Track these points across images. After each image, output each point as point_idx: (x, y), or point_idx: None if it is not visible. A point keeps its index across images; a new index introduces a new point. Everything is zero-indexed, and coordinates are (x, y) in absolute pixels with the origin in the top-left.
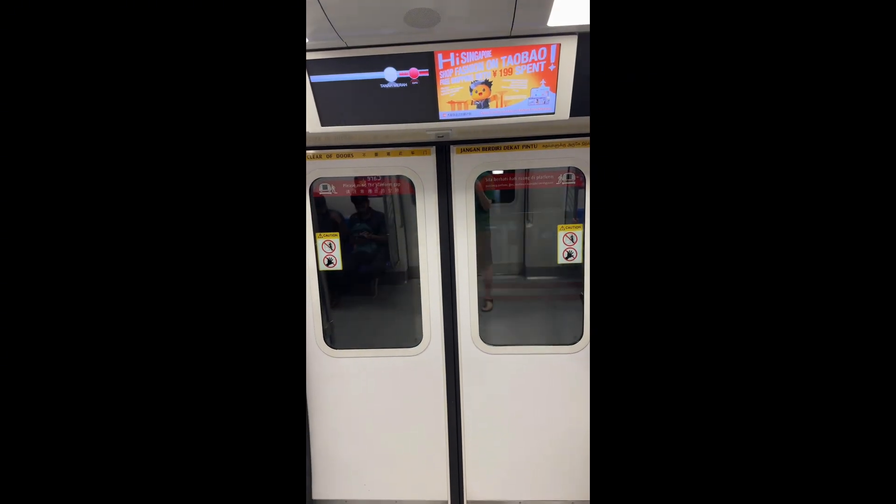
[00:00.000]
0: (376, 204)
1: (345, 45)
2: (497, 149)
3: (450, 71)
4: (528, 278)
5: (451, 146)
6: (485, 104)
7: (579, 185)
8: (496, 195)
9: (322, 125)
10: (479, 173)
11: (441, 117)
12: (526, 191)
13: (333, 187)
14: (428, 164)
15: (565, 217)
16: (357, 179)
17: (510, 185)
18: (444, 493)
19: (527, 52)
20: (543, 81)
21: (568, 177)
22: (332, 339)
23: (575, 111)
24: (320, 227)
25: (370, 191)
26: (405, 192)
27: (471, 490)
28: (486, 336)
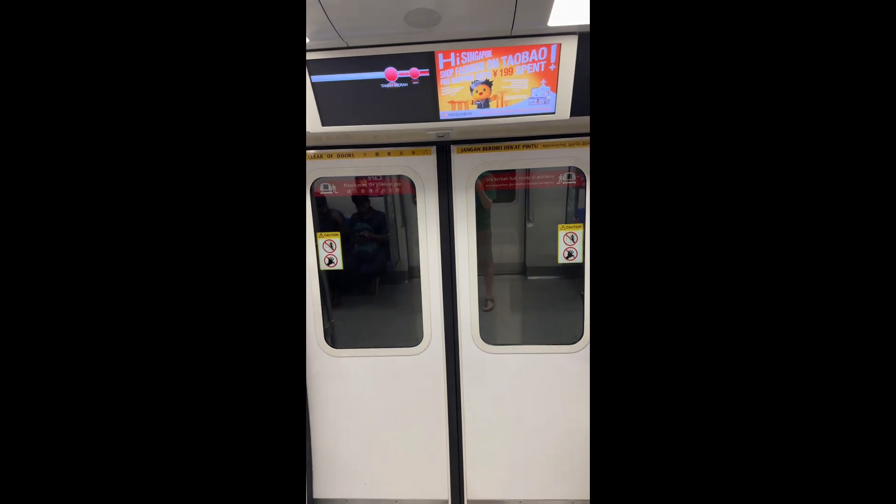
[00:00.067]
0: (377, 203)
1: (345, 45)
2: (497, 148)
3: (450, 71)
4: (529, 278)
5: (452, 146)
6: (485, 104)
7: (580, 185)
8: (496, 195)
9: (323, 125)
10: (480, 173)
11: (441, 117)
12: (527, 190)
13: (334, 187)
14: (428, 164)
15: (566, 217)
16: (358, 179)
17: (511, 184)
18: (445, 492)
19: (527, 52)
20: (544, 81)
21: (568, 176)
22: (333, 338)
23: (575, 111)
24: (321, 227)
25: (371, 190)
26: (406, 191)
27: (471, 489)
28: (487, 335)
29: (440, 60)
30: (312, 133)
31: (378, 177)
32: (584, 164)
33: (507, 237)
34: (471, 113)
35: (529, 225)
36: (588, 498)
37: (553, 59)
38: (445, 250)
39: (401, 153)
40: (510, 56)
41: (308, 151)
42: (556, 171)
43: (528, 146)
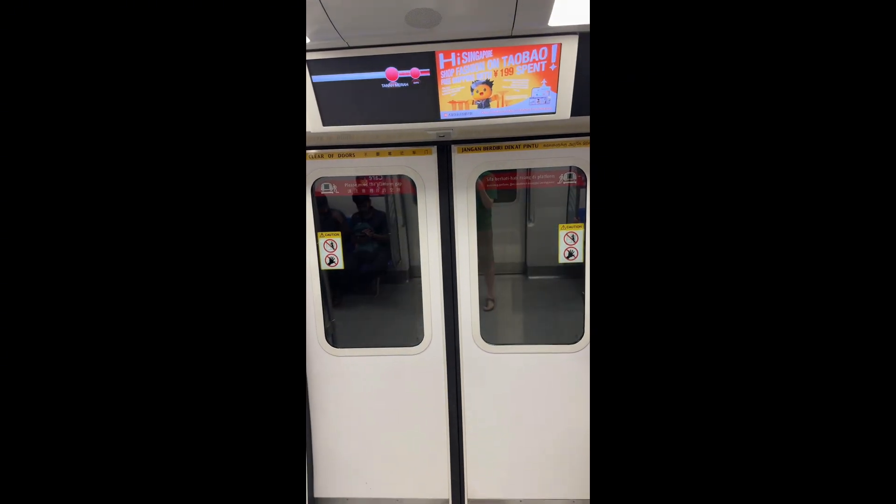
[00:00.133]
0: (378, 203)
1: (346, 45)
2: (498, 148)
3: (451, 71)
4: (530, 278)
5: (453, 146)
6: (486, 104)
7: (580, 185)
8: (497, 195)
9: (324, 125)
10: (481, 173)
11: (442, 117)
12: (527, 190)
13: (335, 187)
14: (429, 164)
15: (567, 216)
16: (358, 179)
17: (511, 184)
18: (446, 491)
19: (528, 52)
20: (544, 81)
21: (569, 176)
22: (334, 338)
23: (576, 111)
24: (322, 227)
25: (372, 190)
26: (407, 191)
27: (472, 489)
28: (487, 335)
29: (441, 60)
30: (313, 133)
31: (379, 176)
32: (585, 164)
33: (508, 237)
34: (471, 113)
35: (530, 225)
36: (588, 498)
37: (554, 59)
38: (446, 250)
39: (401, 153)
40: (511, 56)
41: (309, 151)
42: (556, 171)
43: (528, 146)
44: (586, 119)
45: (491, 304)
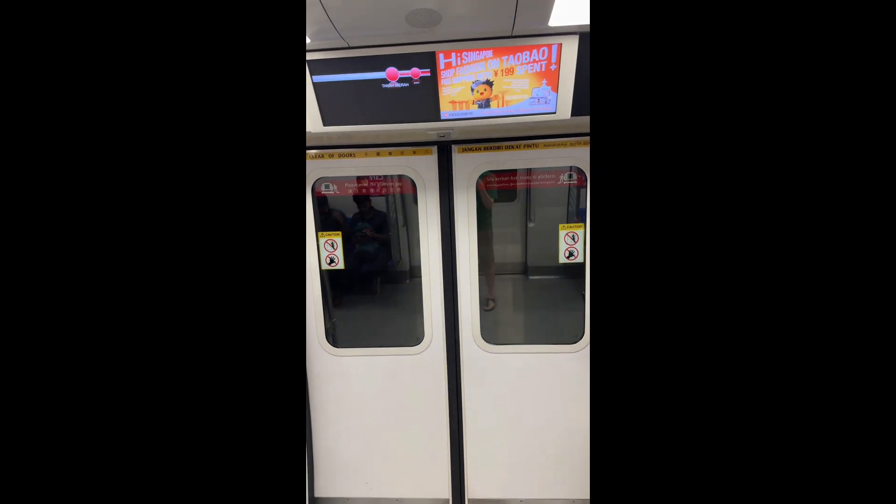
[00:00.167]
0: (378, 203)
1: (347, 46)
2: (498, 148)
3: (451, 71)
4: (531, 278)
5: (453, 146)
6: (486, 104)
7: (581, 185)
8: (497, 195)
9: (324, 125)
10: (481, 172)
11: (442, 117)
12: (528, 190)
13: (335, 187)
14: (429, 164)
15: (567, 216)
16: (359, 179)
17: (512, 184)
18: (446, 491)
19: (528, 52)
20: (545, 81)
21: (570, 176)
22: (335, 337)
23: (576, 111)
24: (323, 227)
25: (372, 190)
26: (407, 191)
27: (472, 488)
28: (488, 335)
29: (441, 60)
30: (314, 133)
31: (379, 176)
32: (585, 164)
33: (509, 237)
34: (472, 113)
35: (531, 224)
36: (588, 497)
37: (554, 59)
38: (446, 250)
39: (402, 153)
40: (511, 56)
41: (309, 151)
42: (557, 171)
43: (529, 146)
44: (587, 119)
45: (491, 304)
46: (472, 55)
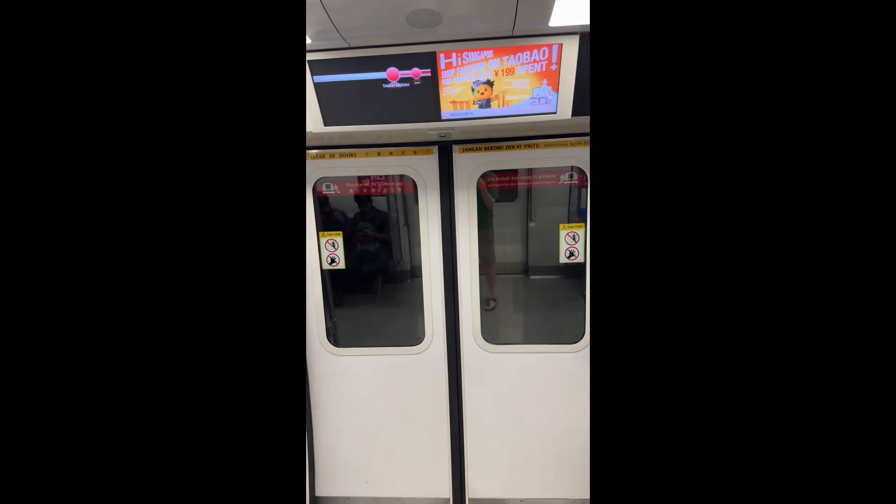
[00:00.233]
0: (379, 203)
1: (347, 46)
2: (499, 148)
3: (452, 71)
4: (531, 277)
5: (454, 146)
6: (487, 104)
7: (581, 185)
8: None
9: (325, 125)
10: (482, 172)
11: (443, 117)
12: (529, 190)
13: (336, 186)
14: (430, 164)
15: (568, 216)
16: (360, 179)
17: (512, 184)
18: (446, 490)
19: (528, 52)
20: (545, 81)
21: (570, 176)
22: (336, 337)
23: (577, 111)
24: (324, 226)
25: (373, 190)
26: (408, 191)
27: (472, 488)
28: (488, 335)
29: (442, 60)
30: (315, 133)
31: (380, 176)
32: (586, 164)
33: (510, 236)
34: (472, 113)
35: (531, 224)
36: (588, 497)
37: (554, 59)
38: (447, 250)
39: (403, 153)
40: (511, 56)
41: (310, 151)
42: (557, 171)
43: (529, 146)
44: (587, 119)
45: (492, 304)
46: (473, 55)
